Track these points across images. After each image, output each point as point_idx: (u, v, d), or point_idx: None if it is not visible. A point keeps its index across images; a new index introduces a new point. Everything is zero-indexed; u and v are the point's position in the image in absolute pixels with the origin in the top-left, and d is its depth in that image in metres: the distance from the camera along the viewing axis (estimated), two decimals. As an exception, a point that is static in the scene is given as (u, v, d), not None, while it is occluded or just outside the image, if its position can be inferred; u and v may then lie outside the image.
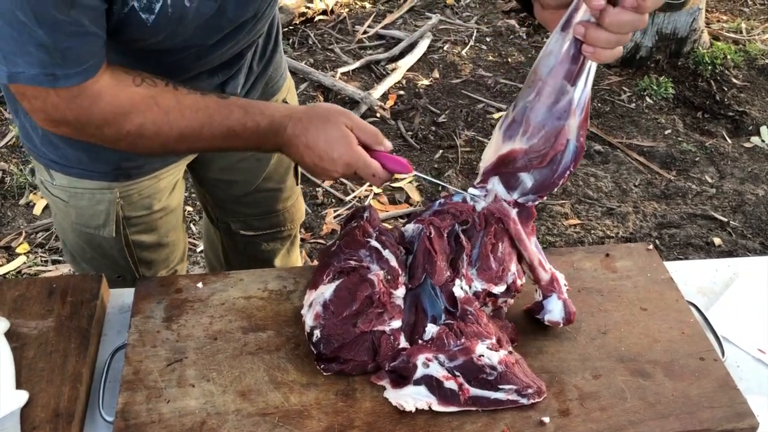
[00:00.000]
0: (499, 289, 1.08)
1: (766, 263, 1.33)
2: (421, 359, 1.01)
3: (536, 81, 0.99)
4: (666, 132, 3.47)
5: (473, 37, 4.16)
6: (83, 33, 0.93)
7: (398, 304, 1.07)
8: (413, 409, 0.99)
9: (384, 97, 3.61)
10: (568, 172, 1.04)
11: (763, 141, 3.43)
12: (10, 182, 3.03)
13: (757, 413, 1.03)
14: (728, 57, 3.87)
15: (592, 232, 2.89)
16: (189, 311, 1.13)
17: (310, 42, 4.10)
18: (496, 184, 1.09)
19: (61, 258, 2.70)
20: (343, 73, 3.77)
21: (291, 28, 4.15)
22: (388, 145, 1.13)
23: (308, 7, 4.24)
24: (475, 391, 1.00)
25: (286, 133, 1.12)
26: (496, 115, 3.54)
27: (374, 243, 1.10)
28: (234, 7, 1.08)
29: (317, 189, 3.08)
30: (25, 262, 2.67)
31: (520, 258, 1.12)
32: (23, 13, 0.87)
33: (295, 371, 1.05)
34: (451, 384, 1.00)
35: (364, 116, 3.42)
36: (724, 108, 3.61)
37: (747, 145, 3.42)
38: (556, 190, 1.07)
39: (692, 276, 1.30)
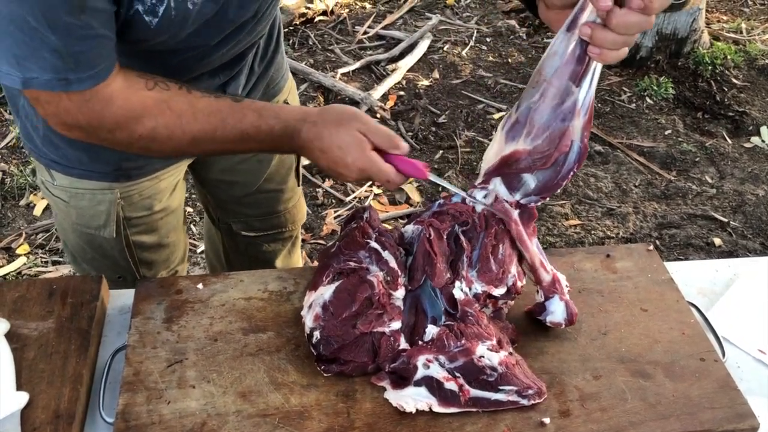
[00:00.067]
0: (499, 291, 1.08)
1: (766, 263, 1.33)
2: (421, 360, 1.01)
3: (541, 82, 0.98)
4: (666, 132, 3.47)
5: (473, 38, 4.16)
6: (94, 36, 0.93)
7: (398, 305, 1.07)
8: (414, 410, 0.99)
9: (384, 97, 3.61)
10: (571, 174, 1.03)
11: (763, 141, 3.43)
12: (11, 183, 3.03)
13: (758, 414, 1.03)
14: (728, 57, 3.87)
15: (593, 232, 2.89)
16: (189, 312, 1.13)
17: (310, 42, 4.10)
18: (498, 185, 1.09)
19: (61, 259, 2.70)
20: (343, 74, 3.77)
21: (291, 28, 4.16)
22: (405, 148, 1.10)
23: (308, 8, 4.24)
24: (475, 392, 1.00)
25: (300, 137, 1.11)
26: (496, 116, 3.54)
27: (374, 244, 1.10)
28: (235, 8, 1.08)
29: (317, 190, 3.09)
30: (25, 263, 2.67)
31: (521, 259, 1.12)
32: (34, 18, 0.87)
33: (295, 372, 1.05)
34: (451, 385, 1.00)
35: (364, 117, 3.41)
36: (725, 108, 3.61)
37: (747, 145, 3.42)
38: (558, 191, 1.07)
39: (693, 276, 1.29)
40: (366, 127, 1.09)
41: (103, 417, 1.01)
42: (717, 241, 2.86)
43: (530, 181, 1.06)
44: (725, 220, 2.96)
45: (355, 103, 3.52)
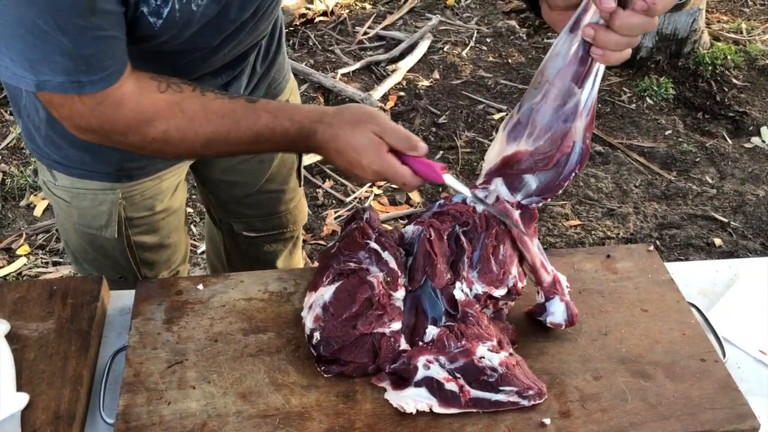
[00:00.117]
0: (499, 292, 1.08)
1: (766, 264, 1.33)
2: (421, 361, 1.01)
3: (543, 82, 0.98)
4: (666, 132, 3.47)
5: (473, 38, 4.16)
6: (104, 38, 0.93)
7: (398, 306, 1.07)
8: (414, 411, 0.99)
9: (384, 98, 3.61)
10: (573, 175, 1.03)
11: (763, 141, 3.43)
12: (11, 184, 3.03)
13: (759, 414, 1.02)
14: (728, 57, 3.87)
15: (593, 232, 2.89)
16: (189, 313, 1.13)
17: (311, 43, 4.10)
18: (499, 186, 1.09)
19: (61, 260, 2.70)
20: (343, 74, 3.77)
21: (291, 29, 4.16)
22: (422, 149, 1.07)
23: (308, 8, 4.24)
24: (475, 393, 1.00)
25: (316, 138, 1.09)
26: (496, 116, 3.54)
27: (373, 245, 1.10)
28: (236, 8, 1.08)
29: (317, 190, 3.09)
30: (25, 264, 2.67)
31: (522, 260, 1.12)
32: (44, 22, 0.87)
33: (295, 373, 1.05)
34: (451, 386, 1.00)
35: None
36: (725, 108, 3.61)
37: (747, 145, 3.41)
38: (560, 192, 1.06)
39: (693, 277, 1.29)
40: (382, 129, 1.07)
41: (104, 418, 1.01)
42: (717, 241, 2.86)
43: (531, 181, 1.06)
44: (725, 220, 2.96)
45: (355, 103, 3.51)
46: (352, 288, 1.06)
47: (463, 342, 1.02)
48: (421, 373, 1.01)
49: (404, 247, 1.12)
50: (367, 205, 2.94)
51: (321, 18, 4.31)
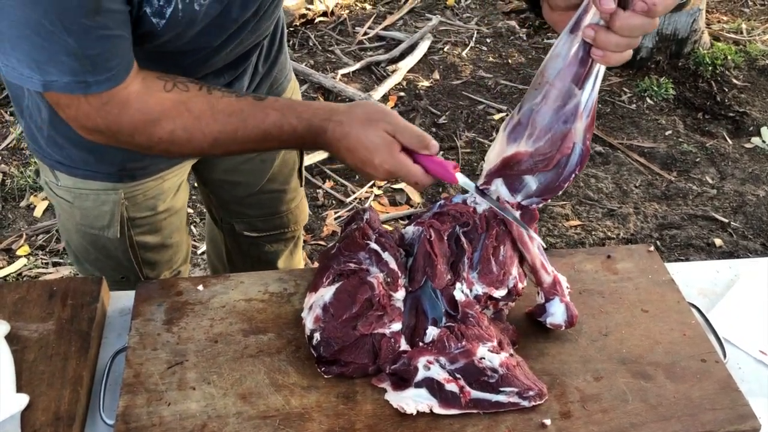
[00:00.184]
0: (500, 293, 1.08)
1: (767, 264, 1.33)
2: (422, 362, 1.01)
3: (543, 83, 0.98)
4: (666, 133, 3.47)
5: (473, 39, 4.16)
6: (110, 37, 0.93)
7: (398, 306, 1.07)
8: (414, 412, 0.99)
9: (384, 98, 3.61)
10: (573, 176, 1.03)
11: (763, 141, 3.43)
12: (11, 184, 3.03)
13: (759, 415, 1.02)
14: (729, 58, 3.87)
15: (593, 233, 2.89)
16: (189, 314, 1.13)
17: (311, 43, 4.10)
18: (499, 186, 1.08)
19: (61, 260, 2.70)
20: (343, 75, 3.77)
21: (291, 29, 4.16)
22: (434, 147, 1.07)
23: (308, 9, 4.24)
24: (476, 394, 1.00)
25: (326, 136, 1.09)
26: (496, 117, 3.54)
27: (373, 245, 1.09)
28: (238, 8, 1.08)
29: (318, 190, 3.08)
30: (25, 265, 2.67)
31: (522, 260, 1.12)
32: (50, 22, 0.87)
33: (295, 374, 1.05)
34: (452, 386, 1.00)
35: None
36: (725, 109, 3.61)
37: (747, 145, 3.41)
38: (560, 193, 1.06)
39: (693, 277, 1.29)
40: (394, 127, 1.06)
41: (104, 419, 1.01)
42: (718, 241, 2.86)
43: (532, 182, 1.06)
44: (726, 220, 2.96)
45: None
46: (352, 289, 1.06)
47: (464, 343, 1.02)
48: (421, 374, 1.01)
49: (404, 247, 1.12)
50: (367, 205, 2.94)
51: (321, 18, 4.31)
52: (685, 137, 3.44)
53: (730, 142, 3.43)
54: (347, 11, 4.41)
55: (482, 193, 1.09)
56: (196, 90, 1.06)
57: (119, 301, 1.21)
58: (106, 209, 1.36)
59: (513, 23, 4.31)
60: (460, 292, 1.07)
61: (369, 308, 1.05)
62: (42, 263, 2.69)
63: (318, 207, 3.02)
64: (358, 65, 3.85)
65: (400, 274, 1.07)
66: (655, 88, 3.70)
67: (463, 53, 4.04)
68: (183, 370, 1.04)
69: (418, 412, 0.99)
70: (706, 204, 3.05)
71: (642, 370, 1.08)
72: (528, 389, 1.00)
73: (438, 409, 0.99)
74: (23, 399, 0.99)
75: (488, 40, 4.17)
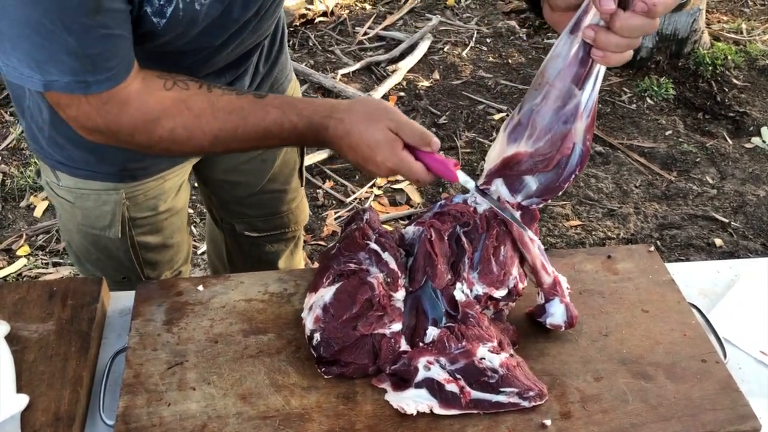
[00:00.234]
0: (500, 293, 1.08)
1: (767, 264, 1.33)
2: (422, 362, 1.01)
3: (543, 84, 0.98)
4: (667, 133, 3.46)
5: (473, 39, 4.16)
6: (110, 36, 0.93)
7: (398, 306, 1.07)
8: (414, 412, 0.99)
9: (384, 98, 3.61)
10: (573, 176, 1.03)
11: (763, 141, 3.43)
12: (11, 185, 3.03)
13: (760, 415, 1.02)
14: (729, 57, 3.87)
15: (593, 233, 2.88)
16: (189, 314, 1.13)
17: (311, 43, 4.10)
18: (499, 186, 1.08)
19: (61, 260, 2.70)
20: (343, 75, 3.77)
21: (291, 29, 4.15)
22: (436, 144, 1.06)
23: (308, 9, 4.24)
24: (476, 394, 1.00)
25: (327, 133, 1.08)
26: (496, 117, 3.54)
27: (373, 245, 1.09)
28: (239, 8, 1.08)
29: (318, 191, 3.08)
30: (25, 265, 2.67)
31: (522, 260, 1.12)
32: (50, 21, 0.87)
33: (296, 374, 1.05)
34: (452, 387, 1.00)
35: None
36: (725, 109, 3.61)
37: (748, 145, 3.41)
38: (560, 193, 1.06)
39: (694, 277, 1.29)
40: (397, 124, 1.06)
41: (104, 419, 1.01)
42: (718, 241, 2.86)
43: (532, 183, 1.06)
44: (726, 220, 2.96)
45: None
46: (352, 289, 1.06)
47: (464, 343, 1.02)
48: (421, 374, 1.01)
49: (404, 247, 1.12)
50: (367, 205, 2.94)
51: (321, 18, 4.31)
52: (685, 137, 3.44)
53: (730, 142, 3.43)
54: (347, 11, 4.41)
55: (482, 192, 1.09)
56: (196, 88, 1.06)
57: (119, 301, 1.21)
58: (107, 209, 1.36)
59: (513, 23, 4.31)
60: (460, 293, 1.07)
61: (369, 308, 1.05)
62: (42, 263, 2.69)
63: (318, 207, 3.02)
64: (358, 65, 3.85)
65: (400, 274, 1.07)
66: (656, 88, 3.70)
67: (463, 53, 4.04)
68: (183, 370, 1.04)
69: (418, 412, 0.99)
70: (706, 204, 3.05)
71: (642, 370, 1.08)
72: (528, 390, 1.00)
73: (438, 410, 0.99)
74: (23, 399, 0.99)
75: (488, 40, 4.17)
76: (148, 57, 1.05)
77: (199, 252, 2.71)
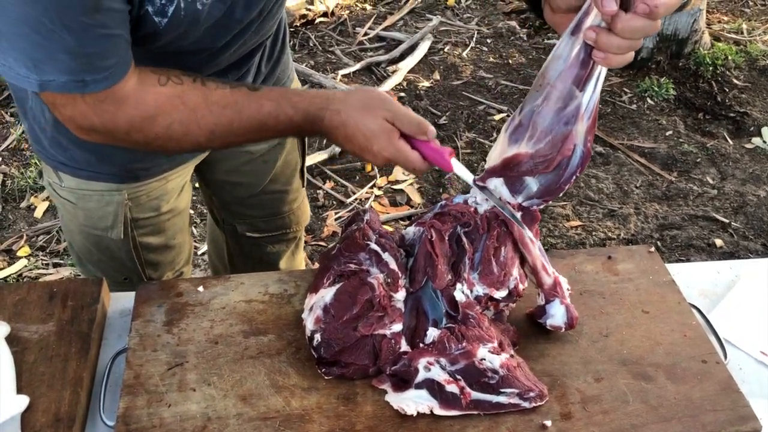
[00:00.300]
0: (500, 294, 1.08)
1: (767, 265, 1.33)
2: (422, 363, 1.01)
3: (544, 85, 0.98)
4: (667, 133, 3.46)
5: (474, 39, 4.16)
6: (108, 36, 0.93)
7: (399, 307, 1.07)
8: (415, 413, 0.99)
9: (385, 99, 3.60)
10: (574, 178, 1.03)
11: (764, 142, 3.43)
12: (11, 185, 3.03)
13: (760, 416, 1.02)
14: (729, 58, 3.87)
15: (594, 233, 2.88)
16: (190, 315, 1.13)
17: (311, 44, 4.10)
18: (500, 187, 1.08)
19: (62, 261, 2.70)
20: (343, 75, 3.77)
21: (292, 30, 4.15)
22: (432, 132, 1.07)
23: (309, 9, 4.24)
24: (476, 395, 1.00)
25: (323, 124, 1.09)
26: (497, 117, 3.54)
27: (374, 246, 1.09)
28: (241, 8, 1.08)
29: (318, 191, 3.08)
30: (26, 265, 2.67)
31: (523, 261, 1.12)
32: (49, 20, 0.87)
33: (296, 375, 1.05)
34: (452, 388, 1.00)
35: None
36: (726, 109, 3.61)
37: (748, 146, 3.41)
38: (561, 194, 1.06)
39: (694, 278, 1.29)
40: (394, 114, 1.07)
41: (104, 420, 1.01)
42: (718, 242, 2.86)
43: (532, 184, 1.06)
44: (726, 221, 2.96)
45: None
46: (352, 289, 1.06)
47: (464, 344, 1.02)
48: (421, 375, 1.00)
49: (405, 248, 1.12)
50: (367, 206, 2.94)
51: (321, 19, 4.31)
52: (685, 137, 3.44)
53: (730, 142, 3.43)
54: (347, 12, 4.41)
55: (479, 186, 1.09)
56: (190, 82, 1.06)
57: (119, 302, 1.21)
58: (109, 210, 1.36)
59: (513, 23, 4.31)
60: (460, 293, 1.07)
61: (369, 309, 1.05)
62: (42, 264, 2.69)
63: (318, 208, 3.02)
64: (358, 66, 3.85)
65: (400, 275, 1.07)
66: (656, 89, 3.70)
67: (464, 54, 4.04)
68: (183, 371, 1.04)
69: (418, 413, 0.99)
70: (706, 204, 3.05)
71: (643, 371, 1.07)
72: (528, 390, 1.00)
73: (438, 411, 0.99)
74: (23, 400, 0.99)
75: (489, 41, 4.17)
76: (152, 58, 1.05)
77: (199, 253, 2.71)
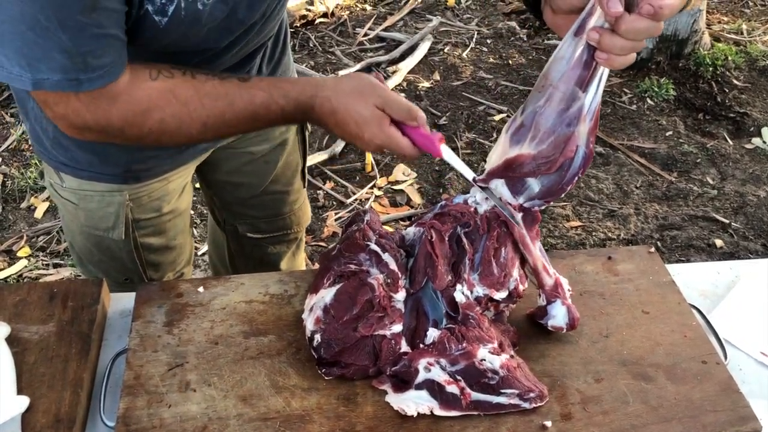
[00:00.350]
0: (500, 295, 1.08)
1: (767, 265, 1.33)
2: (422, 363, 1.01)
3: (547, 86, 0.98)
4: (667, 133, 3.46)
5: (474, 39, 4.16)
6: (104, 35, 0.93)
7: (399, 308, 1.07)
8: (415, 414, 0.99)
9: (385, 99, 3.60)
10: (576, 179, 1.03)
11: (764, 142, 3.43)
12: (12, 186, 3.03)
13: (760, 417, 1.02)
14: (729, 58, 3.87)
15: (594, 234, 2.88)
16: (190, 316, 1.13)
17: (311, 44, 4.10)
18: (501, 188, 1.08)
19: (62, 261, 2.70)
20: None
21: (292, 30, 4.15)
22: (422, 119, 1.08)
23: (309, 10, 4.24)
24: (476, 396, 1.00)
25: (314, 112, 1.10)
26: (497, 117, 3.54)
27: (374, 246, 1.09)
28: (244, 10, 1.08)
29: (318, 192, 3.09)
30: (26, 266, 2.67)
31: (523, 262, 1.12)
32: (46, 17, 0.86)
33: (296, 376, 1.05)
34: (452, 388, 1.00)
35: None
36: (725, 109, 3.61)
37: (748, 146, 3.41)
38: (562, 195, 1.06)
39: (694, 279, 1.29)
40: (384, 101, 1.07)
41: (104, 421, 1.01)
42: (718, 242, 2.86)
43: (534, 185, 1.05)
44: (726, 221, 2.96)
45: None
46: (352, 290, 1.06)
47: (464, 344, 1.02)
48: (422, 376, 1.01)
49: (405, 248, 1.12)
50: (367, 206, 2.94)
51: (321, 19, 4.31)
52: (685, 138, 3.44)
53: (730, 142, 3.43)
54: (348, 12, 4.42)
55: (481, 186, 1.09)
56: (181, 75, 1.06)
57: (120, 302, 1.21)
58: (111, 211, 1.36)
59: (513, 24, 4.31)
60: (460, 294, 1.07)
61: (369, 310, 1.05)
62: (43, 264, 2.69)
63: (318, 208, 3.02)
64: (358, 66, 3.85)
65: (400, 276, 1.07)
66: (656, 89, 3.70)
67: (464, 54, 4.04)
68: (183, 372, 1.04)
69: (418, 413, 0.99)
70: (706, 205, 3.05)
71: (643, 371, 1.07)
72: (529, 391, 1.00)
73: (439, 411, 0.99)
74: (24, 401, 0.99)
75: (489, 41, 4.17)
76: (154, 59, 1.05)
77: (199, 253, 2.71)
